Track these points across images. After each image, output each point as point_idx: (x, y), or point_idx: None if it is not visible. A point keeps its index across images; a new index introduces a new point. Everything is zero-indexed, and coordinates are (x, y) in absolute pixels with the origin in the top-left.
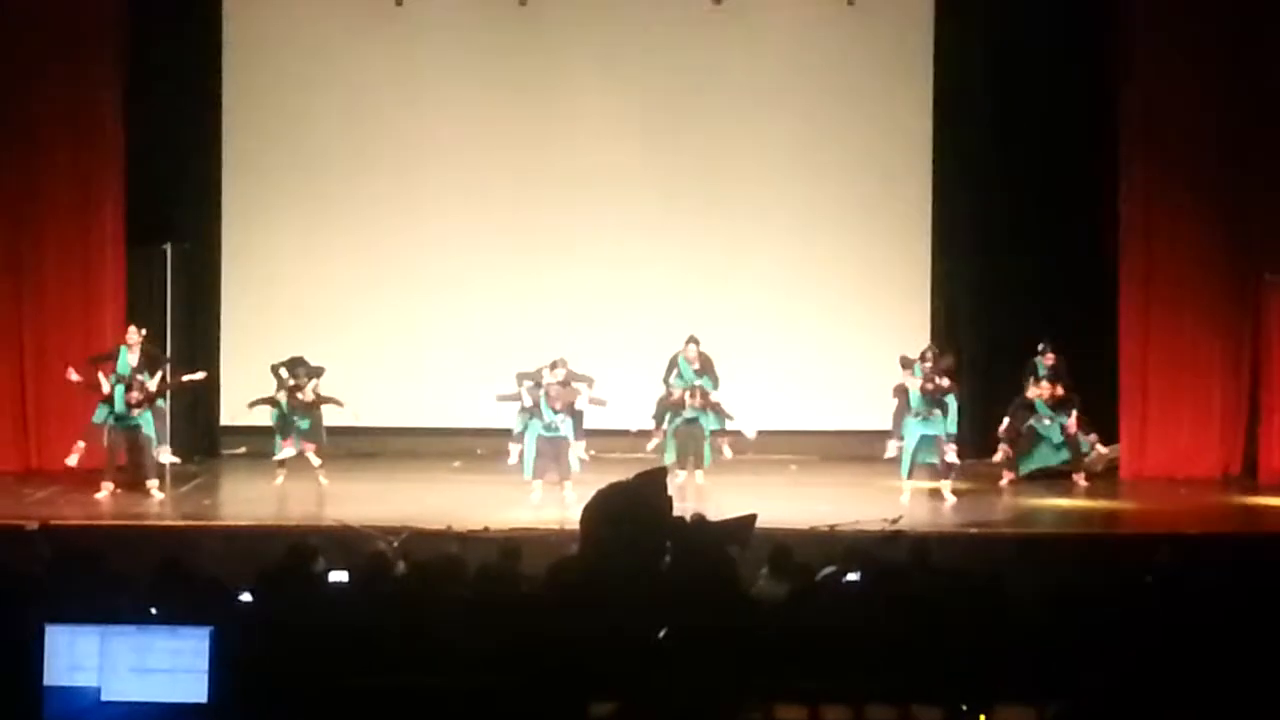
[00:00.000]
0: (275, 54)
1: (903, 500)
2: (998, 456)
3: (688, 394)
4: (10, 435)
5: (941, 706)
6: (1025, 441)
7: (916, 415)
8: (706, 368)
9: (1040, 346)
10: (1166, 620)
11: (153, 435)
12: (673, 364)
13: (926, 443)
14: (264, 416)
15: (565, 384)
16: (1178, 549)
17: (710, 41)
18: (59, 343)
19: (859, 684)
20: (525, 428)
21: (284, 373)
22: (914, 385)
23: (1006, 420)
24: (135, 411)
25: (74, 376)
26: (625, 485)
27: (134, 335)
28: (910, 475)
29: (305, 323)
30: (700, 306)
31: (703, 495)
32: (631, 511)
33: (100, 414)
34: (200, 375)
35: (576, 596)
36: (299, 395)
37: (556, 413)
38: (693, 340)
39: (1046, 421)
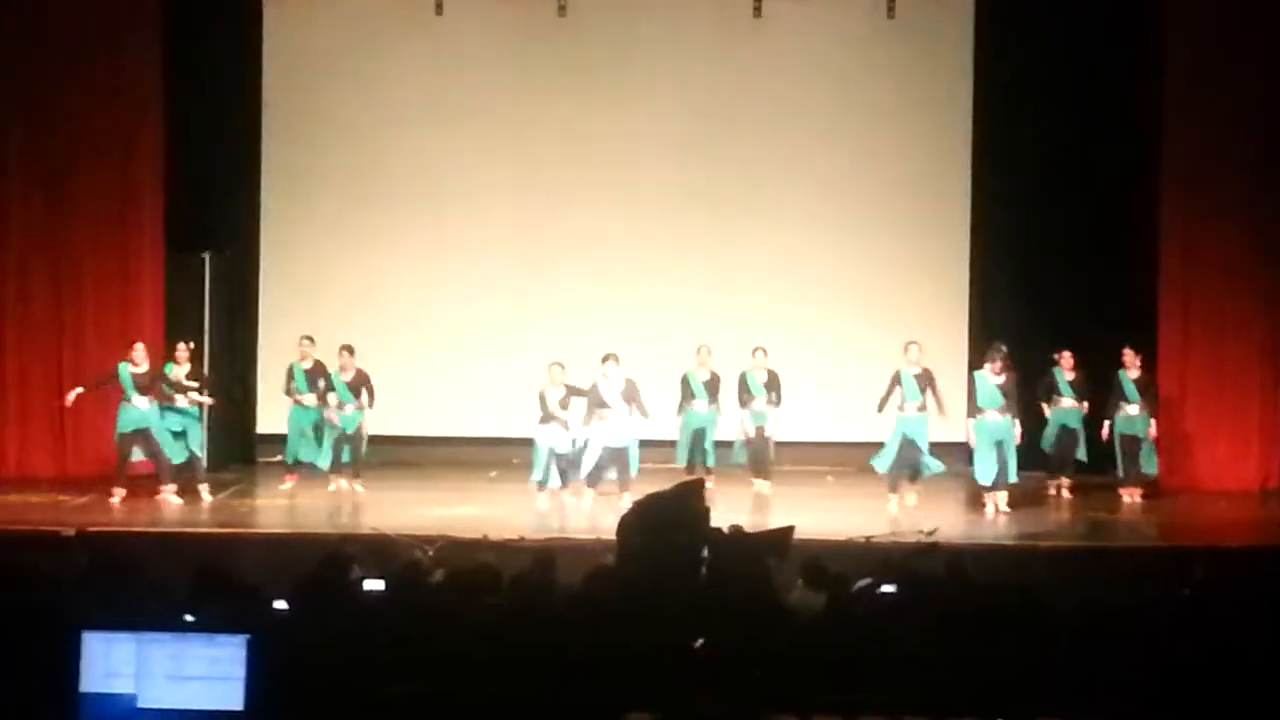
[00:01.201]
0: (316, 62)
1: (988, 512)
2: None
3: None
4: (47, 442)
5: (977, 719)
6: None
7: (984, 413)
8: (772, 382)
9: (1056, 354)
10: (1202, 634)
11: (163, 440)
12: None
13: (997, 449)
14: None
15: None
16: (1214, 563)
17: (750, 53)
18: (97, 350)
19: (895, 696)
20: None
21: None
22: (987, 376)
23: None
24: (142, 399)
25: (69, 400)
26: (663, 496)
27: (183, 352)
28: (994, 485)
29: (344, 332)
30: (738, 317)
31: (737, 505)
32: (669, 522)
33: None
34: (207, 401)
35: (613, 606)
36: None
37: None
38: (760, 349)
39: (1132, 411)
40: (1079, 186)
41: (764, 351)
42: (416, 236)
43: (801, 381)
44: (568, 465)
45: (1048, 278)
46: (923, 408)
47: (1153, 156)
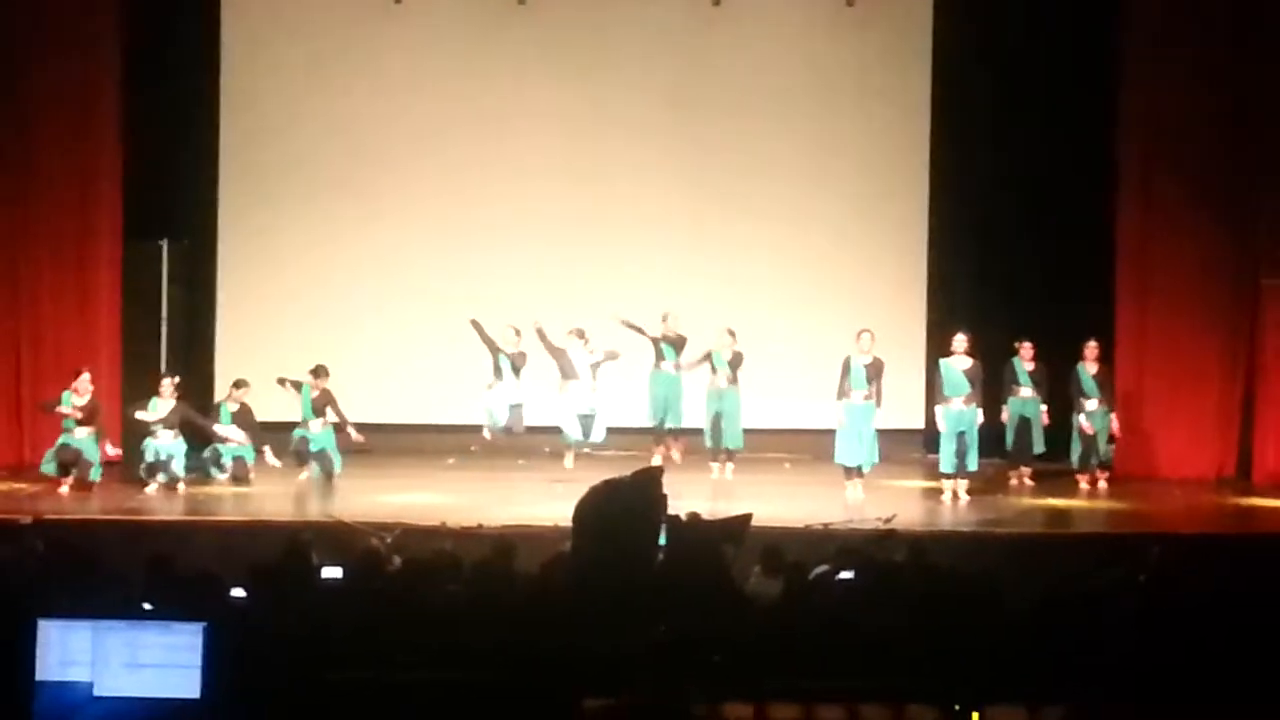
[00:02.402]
0: (273, 50)
1: (945, 498)
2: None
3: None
4: (4, 430)
5: (935, 706)
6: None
7: (950, 401)
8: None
9: (1016, 344)
10: (1159, 620)
11: (95, 465)
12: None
13: (959, 438)
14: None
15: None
16: (1170, 550)
17: (708, 40)
18: (54, 338)
19: (852, 683)
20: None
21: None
22: (952, 364)
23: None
24: (82, 430)
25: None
26: (619, 482)
27: (168, 387)
28: (955, 473)
29: (301, 319)
30: (695, 303)
31: (696, 492)
32: (625, 508)
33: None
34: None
35: (570, 593)
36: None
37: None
38: (730, 331)
39: (1091, 406)
40: (1038, 172)
41: (732, 334)
42: (376, 223)
43: (759, 368)
44: (514, 424)
45: (1006, 262)
46: (869, 396)
47: (1112, 140)
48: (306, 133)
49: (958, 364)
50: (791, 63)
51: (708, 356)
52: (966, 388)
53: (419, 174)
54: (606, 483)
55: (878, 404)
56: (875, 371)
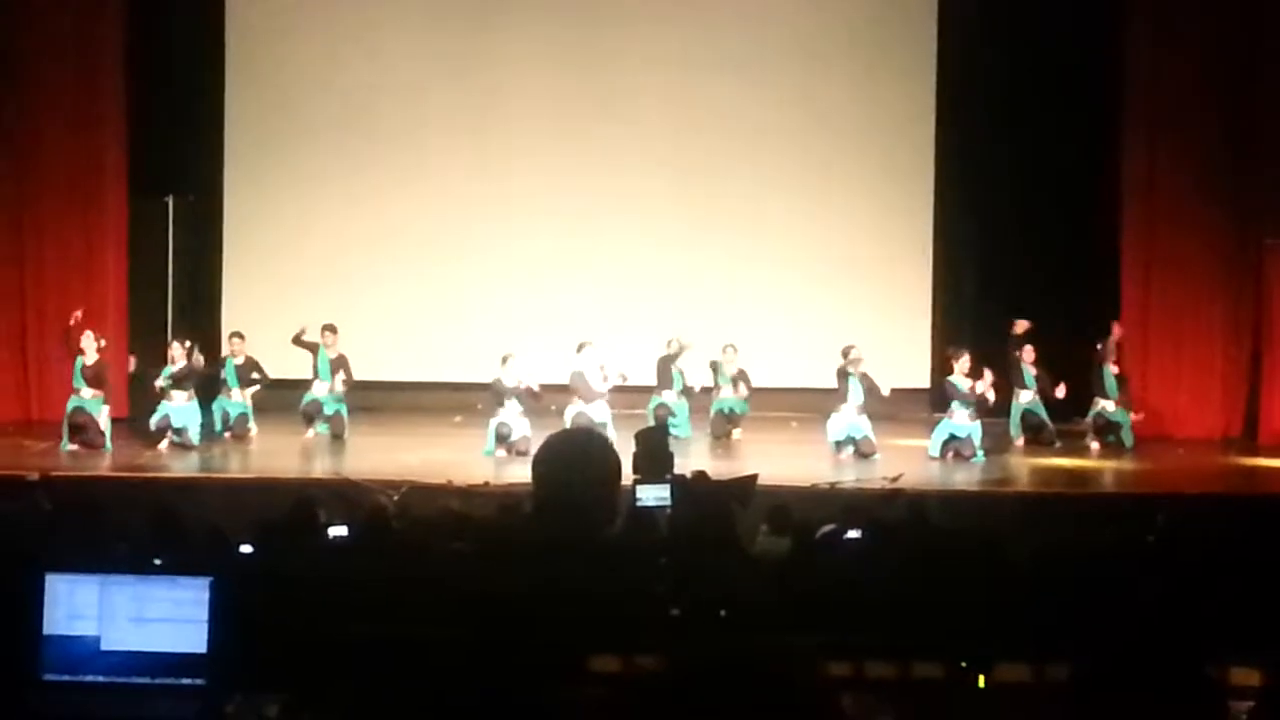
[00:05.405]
0: (280, 4)
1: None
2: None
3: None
4: (11, 386)
5: (941, 664)
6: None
7: (953, 414)
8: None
9: (1017, 351)
10: (1166, 580)
11: (104, 425)
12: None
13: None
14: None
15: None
16: (1177, 510)
17: (714, 9)
18: (61, 294)
19: (858, 641)
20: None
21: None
22: (957, 381)
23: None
24: (89, 390)
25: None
26: (572, 430)
27: (179, 350)
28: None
29: (307, 275)
30: (705, 266)
31: (702, 451)
32: (573, 455)
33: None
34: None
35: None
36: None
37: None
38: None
39: (1110, 407)
40: (1043, 134)
41: (734, 349)
42: (382, 180)
43: (766, 328)
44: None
45: (1010, 224)
46: (863, 409)
47: (1117, 105)
48: (314, 87)
49: (963, 382)
50: (796, 32)
51: (713, 367)
52: (970, 404)
53: (426, 128)
54: (563, 430)
55: (883, 391)
56: (867, 382)
